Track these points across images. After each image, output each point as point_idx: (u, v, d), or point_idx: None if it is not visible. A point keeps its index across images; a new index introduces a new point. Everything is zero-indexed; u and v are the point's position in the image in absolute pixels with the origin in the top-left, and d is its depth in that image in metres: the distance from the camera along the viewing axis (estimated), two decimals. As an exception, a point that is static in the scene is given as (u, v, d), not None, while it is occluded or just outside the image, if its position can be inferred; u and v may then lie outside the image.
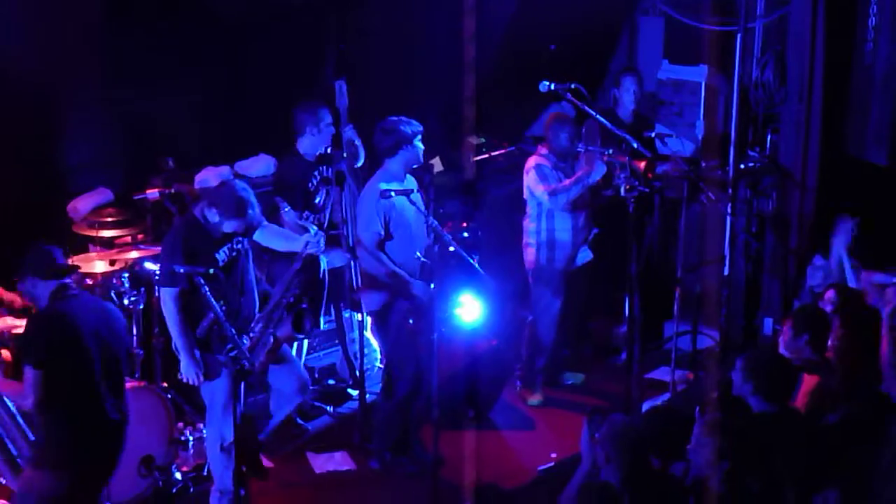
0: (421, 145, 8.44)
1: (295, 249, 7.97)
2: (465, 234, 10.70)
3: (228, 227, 7.64)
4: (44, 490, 6.85)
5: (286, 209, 8.48)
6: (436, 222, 8.06)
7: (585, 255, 9.65)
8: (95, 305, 7.04)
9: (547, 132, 9.52)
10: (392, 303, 8.44)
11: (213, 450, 7.90)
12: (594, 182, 9.29)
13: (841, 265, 9.50)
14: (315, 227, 8.16)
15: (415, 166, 8.53)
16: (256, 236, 7.95)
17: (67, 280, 6.96)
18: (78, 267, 7.65)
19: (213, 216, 7.64)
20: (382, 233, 8.31)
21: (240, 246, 7.81)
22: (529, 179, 9.44)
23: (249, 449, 8.16)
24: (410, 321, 8.43)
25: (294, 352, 8.96)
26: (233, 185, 7.72)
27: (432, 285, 8.23)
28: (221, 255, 7.68)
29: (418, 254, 8.40)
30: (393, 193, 8.13)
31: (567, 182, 9.31)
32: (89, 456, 6.95)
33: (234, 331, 7.04)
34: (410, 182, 8.50)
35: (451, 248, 7.76)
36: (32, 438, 7.29)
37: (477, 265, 8.05)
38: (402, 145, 8.37)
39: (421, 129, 8.44)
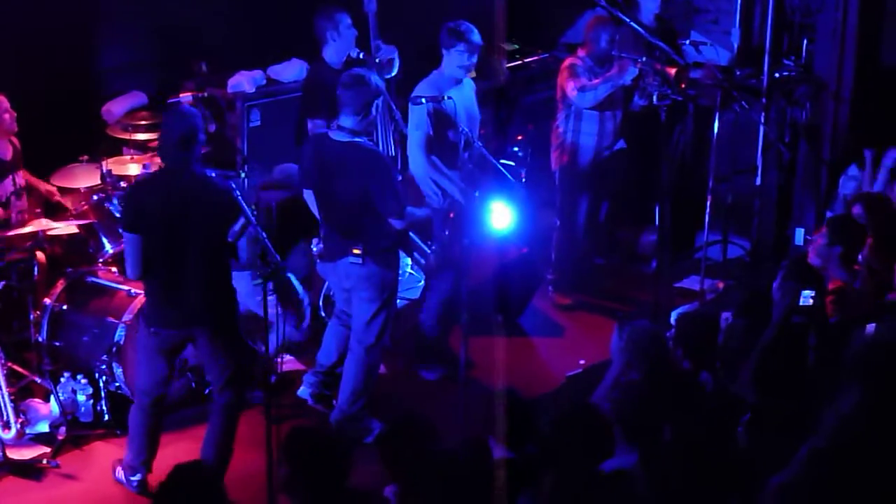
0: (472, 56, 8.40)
1: None
2: (516, 149, 10.65)
3: None
4: (139, 340, 7.29)
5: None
6: (467, 130, 8.07)
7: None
8: (175, 182, 6.87)
9: (587, 34, 9.44)
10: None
11: None
12: (624, 83, 9.25)
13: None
14: None
15: (467, 70, 8.46)
16: None
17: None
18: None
19: None
20: (432, 133, 8.30)
21: None
22: (561, 78, 9.40)
23: None
24: (446, 233, 8.47)
25: None
26: None
27: (476, 193, 8.24)
28: None
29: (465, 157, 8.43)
30: (423, 100, 8.13)
31: (597, 81, 9.27)
32: (160, 322, 7.09)
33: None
34: (468, 85, 8.48)
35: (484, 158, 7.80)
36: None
37: (507, 173, 8.06)
38: (455, 44, 8.33)
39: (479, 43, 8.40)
